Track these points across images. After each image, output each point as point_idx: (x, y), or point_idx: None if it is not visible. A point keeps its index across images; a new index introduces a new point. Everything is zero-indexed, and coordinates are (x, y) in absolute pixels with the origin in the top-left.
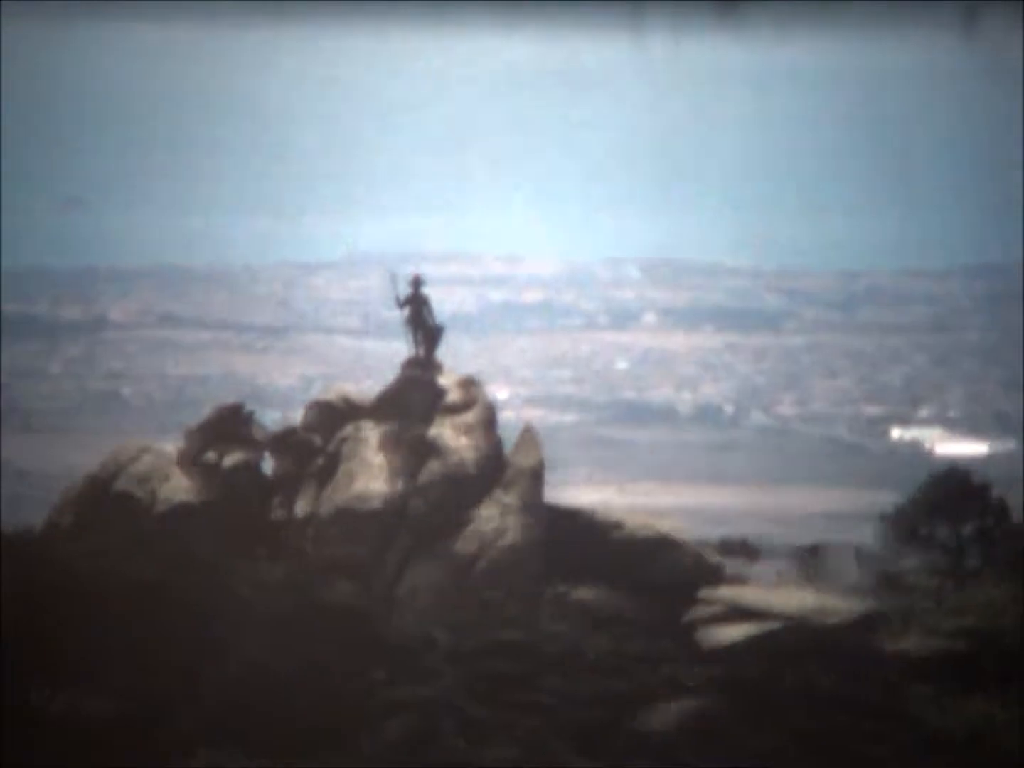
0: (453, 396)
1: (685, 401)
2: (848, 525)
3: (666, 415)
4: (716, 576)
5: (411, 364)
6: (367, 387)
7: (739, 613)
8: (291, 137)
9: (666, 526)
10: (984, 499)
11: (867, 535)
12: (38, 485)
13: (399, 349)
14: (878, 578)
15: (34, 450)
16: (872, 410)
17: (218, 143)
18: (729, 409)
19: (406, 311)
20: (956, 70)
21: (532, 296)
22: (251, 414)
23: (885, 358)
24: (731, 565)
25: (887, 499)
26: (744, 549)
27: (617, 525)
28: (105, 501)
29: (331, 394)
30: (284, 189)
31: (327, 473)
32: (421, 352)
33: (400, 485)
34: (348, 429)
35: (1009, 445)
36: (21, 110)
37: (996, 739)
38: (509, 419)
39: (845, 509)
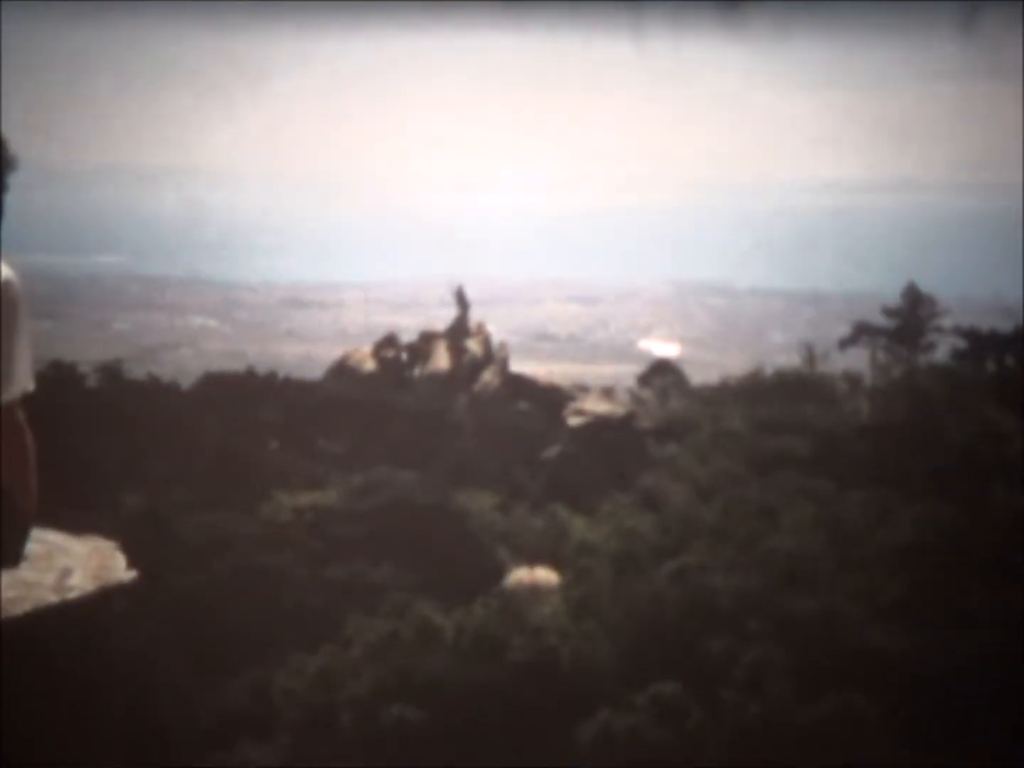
0: (474, 330)
1: (593, 337)
2: (626, 380)
3: (571, 342)
4: (573, 398)
5: (458, 318)
6: (440, 326)
7: (580, 413)
8: None
9: (555, 381)
10: (674, 369)
11: (631, 383)
12: None
13: (454, 312)
14: (635, 398)
15: None
16: (644, 344)
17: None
18: (619, 340)
19: (458, 297)
20: (956, 70)
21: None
22: (396, 337)
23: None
24: (581, 395)
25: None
26: (585, 389)
27: (536, 381)
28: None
29: (427, 331)
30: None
31: (425, 359)
32: (461, 313)
33: (453, 365)
34: (435, 342)
35: (686, 352)
36: None
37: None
38: (499, 339)
39: (627, 372)
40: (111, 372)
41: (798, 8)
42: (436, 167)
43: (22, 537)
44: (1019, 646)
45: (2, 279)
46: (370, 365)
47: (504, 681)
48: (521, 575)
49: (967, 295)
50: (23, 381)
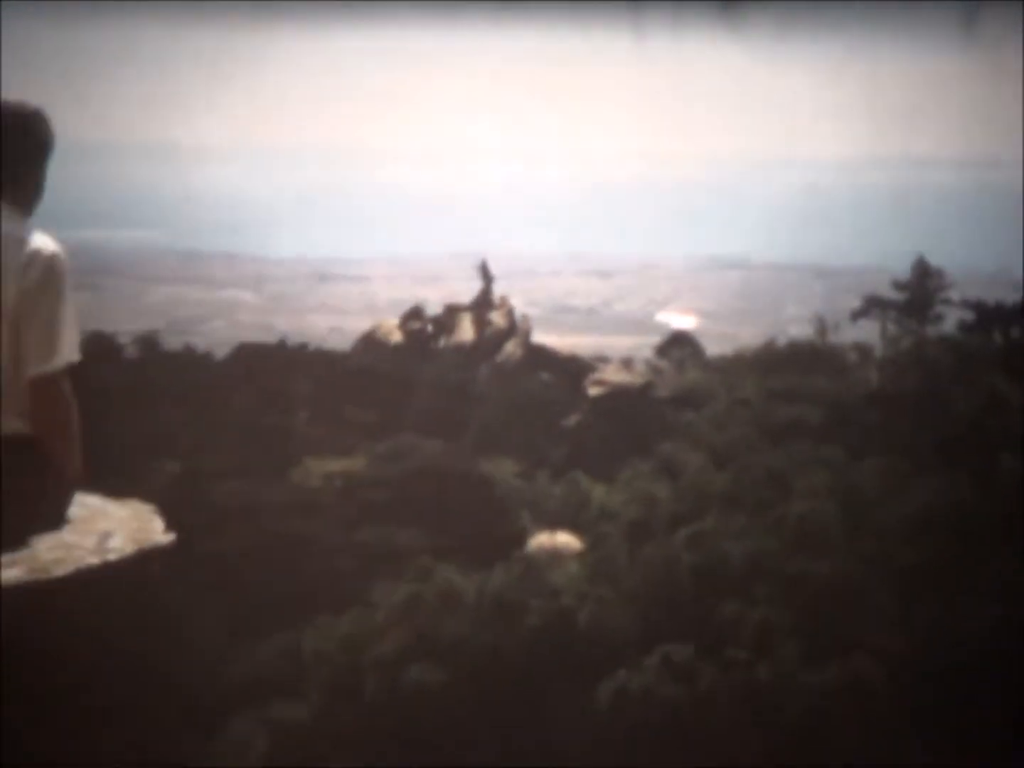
0: (497, 303)
1: (611, 310)
2: (644, 351)
3: (591, 315)
4: (593, 369)
5: (482, 291)
6: (465, 299)
7: (600, 383)
8: None
9: (576, 352)
10: (691, 340)
11: (649, 354)
12: None
13: (477, 285)
14: (653, 369)
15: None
16: (662, 317)
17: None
18: (637, 313)
19: (482, 271)
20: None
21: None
22: (422, 310)
23: (665, 296)
24: (601, 365)
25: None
26: (604, 359)
27: (557, 352)
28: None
29: (452, 304)
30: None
31: (450, 331)
32: (485, 286)
33: (477, 336)
34: (459, 315)
35: (702, 324)
36: None
37: None
38: (521, 312)
39: (645, 343)
40: (148, 343)
41: (798, 7)
42: (457, 144)
43: (65, 501)
44: (1020, 606)
45: (48, 253)
46: (397, 337)
47: (524, 643)
48: (543, 540)
49: (974, 269)
50: (69, 352)
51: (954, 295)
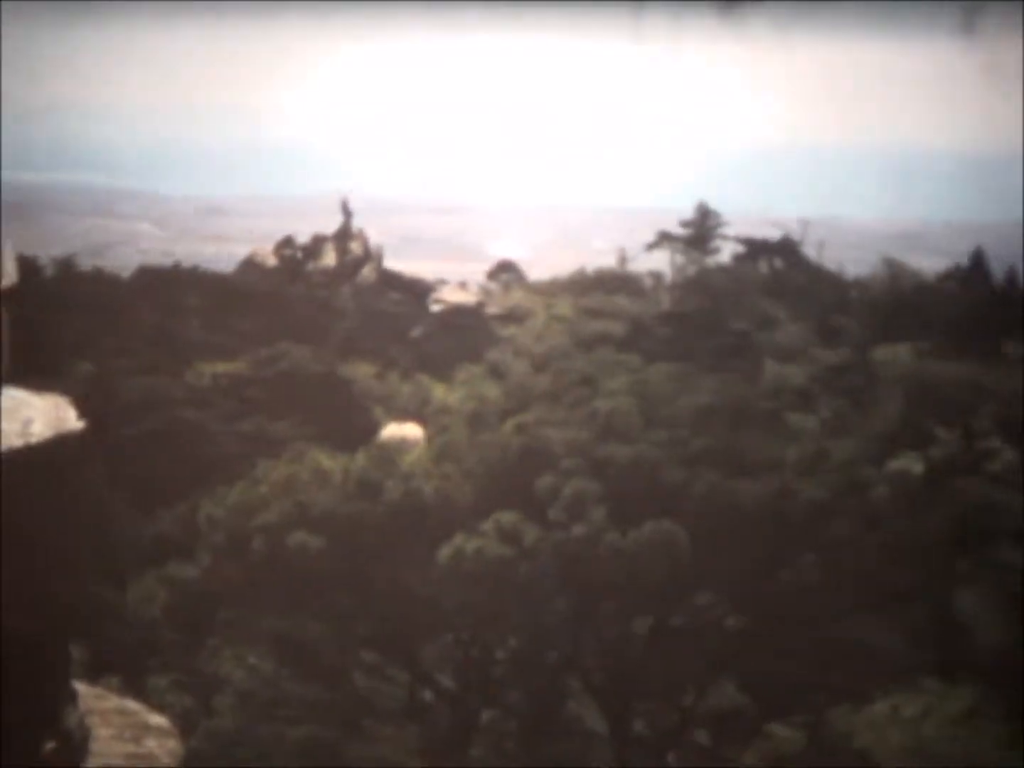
0: (355, 235)
1: (450, 241)
2: (477, 276)
3: (434, 245)
4: (434, 290)
5: (343, 225)
6: (329, 231)
7: (441, 301)
8: None
9: (421, 276)
10: (516, 267)
11: (481, 278)
12: None
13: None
14: (484, 290)
15: None
16: (492, 247)
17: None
18: (473, 243)
19: (343, 208)
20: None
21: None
22: (293, 239)
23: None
24: (441, 287)
25: None
26: (444, 282)
27: (405, 275)
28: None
29: (318, 234)
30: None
31: (317, 257)
32: (345, 221)
33: (338, 262)
34: (324, 244)
35: (526, 254)
36: None
37: None
38: (375, 242)
39: (478, 270)
40: (65, 265)
41: (798, 8)
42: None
43: None
44: (782, 481)
45: None
46: (272, 261)
47: (382, 513)
48: (393, 430)
49: (748, 212)
50: (10, 275)
51: (729, 232)
